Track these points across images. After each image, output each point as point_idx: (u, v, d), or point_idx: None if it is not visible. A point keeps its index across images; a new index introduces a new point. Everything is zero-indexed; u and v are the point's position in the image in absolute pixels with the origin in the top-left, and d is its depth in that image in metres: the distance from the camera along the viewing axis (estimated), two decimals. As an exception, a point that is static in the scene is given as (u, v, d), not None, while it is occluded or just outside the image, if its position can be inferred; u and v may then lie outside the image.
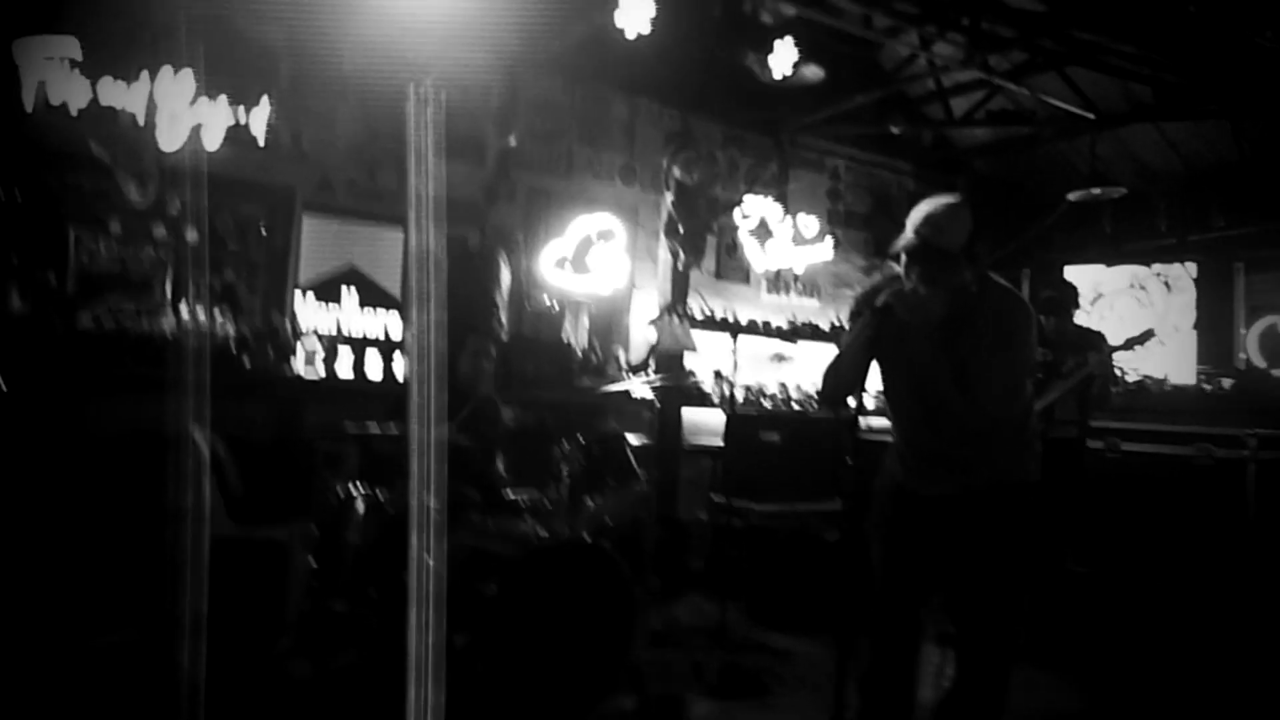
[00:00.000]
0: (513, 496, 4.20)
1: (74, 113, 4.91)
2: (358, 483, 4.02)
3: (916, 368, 2.71)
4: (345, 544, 3.89)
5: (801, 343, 7.20)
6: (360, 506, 3.93)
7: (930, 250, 2.59)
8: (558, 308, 6.01)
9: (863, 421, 2.73)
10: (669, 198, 6.41)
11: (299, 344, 5.09)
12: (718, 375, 6.43)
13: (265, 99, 5.24)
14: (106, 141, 4.93)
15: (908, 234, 2.60)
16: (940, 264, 2.59)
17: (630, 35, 4.96)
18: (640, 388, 5.39)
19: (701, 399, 6.44)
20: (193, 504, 4.32)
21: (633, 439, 4.58)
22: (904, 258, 2.62)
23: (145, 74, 4.98)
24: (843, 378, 2.75)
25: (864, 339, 2.68)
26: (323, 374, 5.11)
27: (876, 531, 2.85)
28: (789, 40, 5.48)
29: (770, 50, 5.55)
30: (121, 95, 5.01)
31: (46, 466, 4.39)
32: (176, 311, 5.02)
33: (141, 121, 5.03)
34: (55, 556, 4.10)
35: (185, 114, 5.09)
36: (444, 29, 5.50)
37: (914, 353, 2.69)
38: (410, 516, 2.34)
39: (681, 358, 6.35)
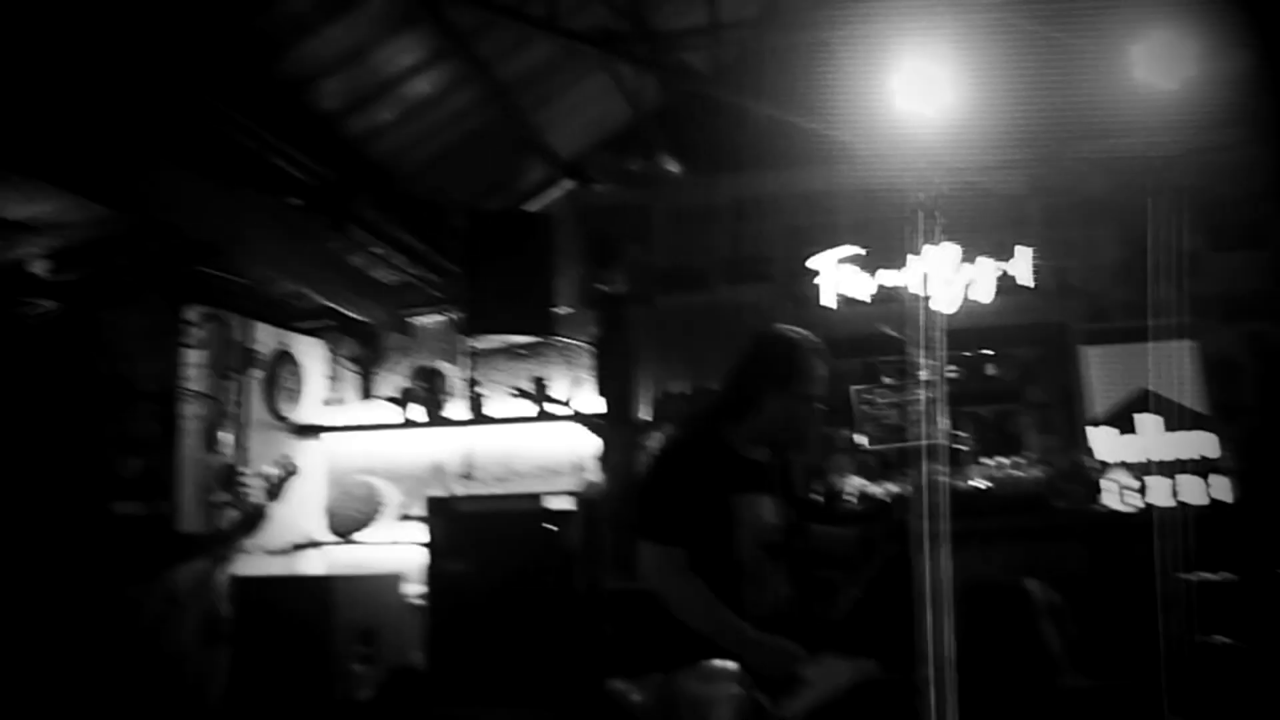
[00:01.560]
0: None
1: (862, 300, 5.73)
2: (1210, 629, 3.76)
3: None
4: (1214, 699, 3.63)
5: None
6: (1224, 656, 3.66)
7: None
8: None
9: None
10: None
11: (1104, 478, 5.01)
12: None
13: (1022, 244, 5.49)
14: (891, 319, 5.55)
15: None
16: None
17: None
18: None
19: None
20: (1027, 654, 4.48)
21: None
22: None
23: (914, 256, 5.61)
24: None
25: None
26: (1137, 506, 4.93)
27: None
28: None
29: None
30: (898, 278, 5.69)
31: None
32: (977, 463, 5.32)
33: (919, 295, 5.63)
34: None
35: (955, 278, 5.57)
36: (1184, 117, 5.21)
37: None
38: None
39: None
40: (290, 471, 4.05)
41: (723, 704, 2.35)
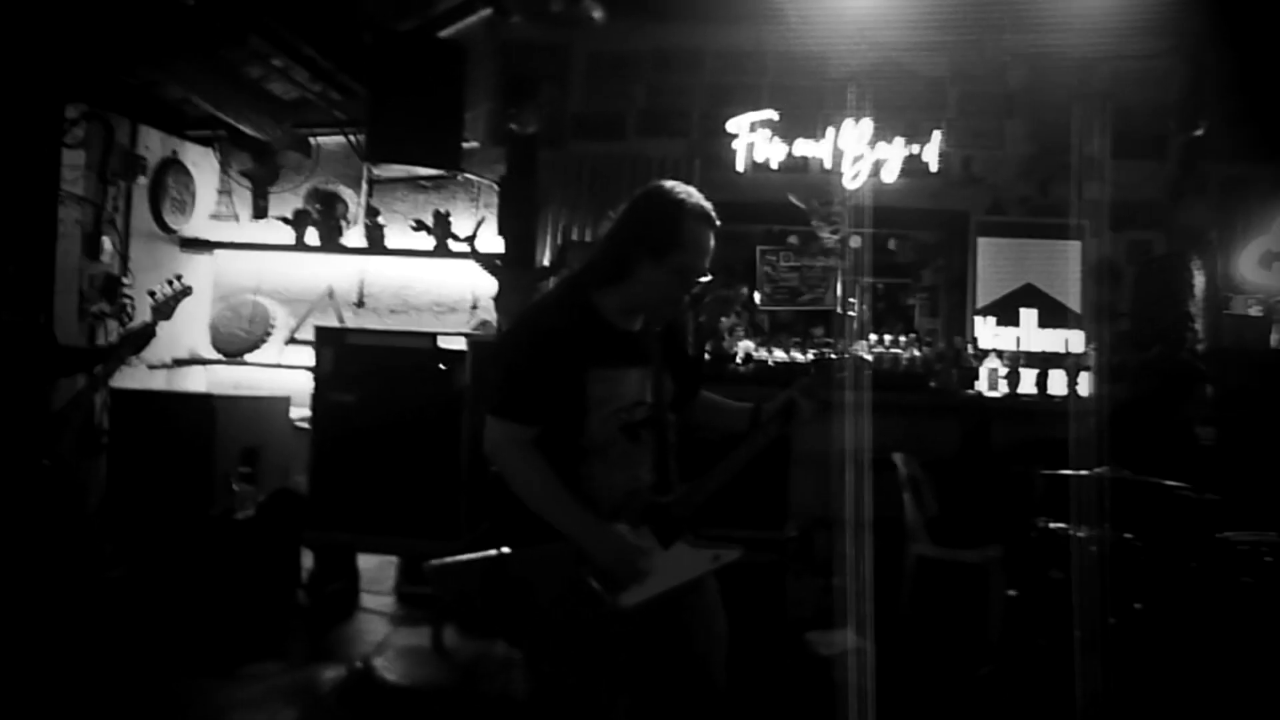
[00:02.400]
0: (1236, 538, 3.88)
1: (774, 167, 5.73)
2: (1051, 515, 4.06)
3: None
4: (1046, 578, 3.95)
5: None
6: (1058, 540, 3.95)
7: None
8: (1264, 313, 5.36)
9: None
10: None
11: (981, 365, 5.25)
12: None
13: (936, 131, 5.54)
14: (800, 189, 5.57)
15: None
16: None
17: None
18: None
19: None
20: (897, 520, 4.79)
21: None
22: None
23: (831, 128, 5.61)
24: None
25: None
26: (1005, 393, 5.21)
27: None
28: None
29: None
30: (811, 148, 5.69)
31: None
32: (863, 338, 5.50)
33: (828, 167, 5.67)
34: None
35: (866, 155, 5.61)
36: (1112, 21, 5.25)
37: None
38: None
39: None
40: (182, 292, 3.92)
41: (553, 589, 2.25)
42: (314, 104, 5.65)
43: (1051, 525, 4.02)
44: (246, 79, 5.24)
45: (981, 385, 5.25)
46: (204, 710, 3.70)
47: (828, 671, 4.26)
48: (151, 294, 3.91)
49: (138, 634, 4.31)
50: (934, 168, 5.55)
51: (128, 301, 5.22)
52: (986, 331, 5.47)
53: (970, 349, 5.35)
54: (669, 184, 2.34)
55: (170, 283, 3.93)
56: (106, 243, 5.23)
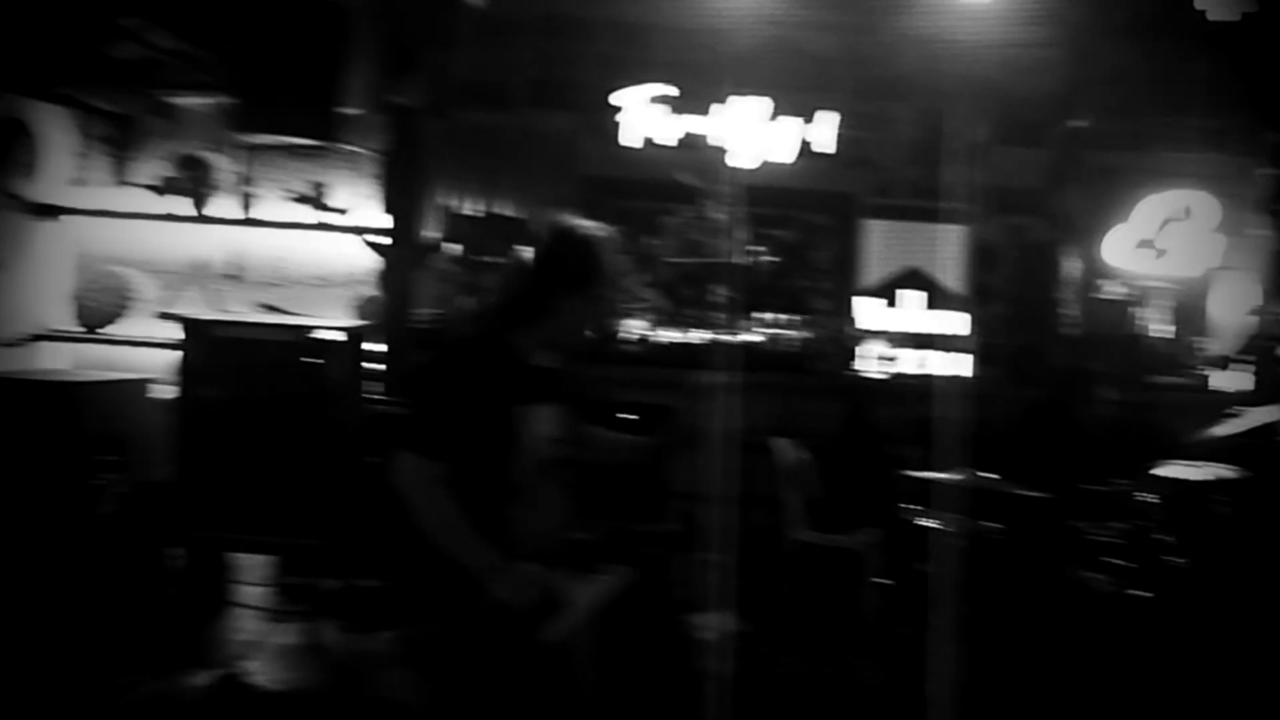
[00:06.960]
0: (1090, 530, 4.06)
1: (665, 143, 5.64)
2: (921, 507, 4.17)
3: None
4: (914, 567, 4.07)
5: None
6: (930, 530, 4.07)
7: None
8: (1131, 297, 5.58)
9: None
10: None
11: (863, 346, 5.34)
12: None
13: (828, 110, 5.52)
14: (691, 167, 5.51)
15: None
16: None
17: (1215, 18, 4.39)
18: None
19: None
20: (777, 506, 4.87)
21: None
22: None
23: (722, 105, 5.53)
24: None
25: None
26: (888, 375, 5.32)
27: None
28: None
29: None
30: (703, 125, 5.62)
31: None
32: (749, 318, 5.53)
33: (722, 146, 5.61)
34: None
35: (759, 134, 5.57)
36: (998, 10, 5.28)
37: None
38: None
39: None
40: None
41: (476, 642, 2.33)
42: (175, 65, 5.28)
43: (918, 519, 4.16)
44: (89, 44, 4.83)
45: (863, 366, 5.35)
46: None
47: (705, 655, 4.33)
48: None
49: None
50: (824, 149, 5.55)
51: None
52: (871, 313, 5.55)
53: (853, 330, 5.44)
54: (572, 221, 2.48)
55: None
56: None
